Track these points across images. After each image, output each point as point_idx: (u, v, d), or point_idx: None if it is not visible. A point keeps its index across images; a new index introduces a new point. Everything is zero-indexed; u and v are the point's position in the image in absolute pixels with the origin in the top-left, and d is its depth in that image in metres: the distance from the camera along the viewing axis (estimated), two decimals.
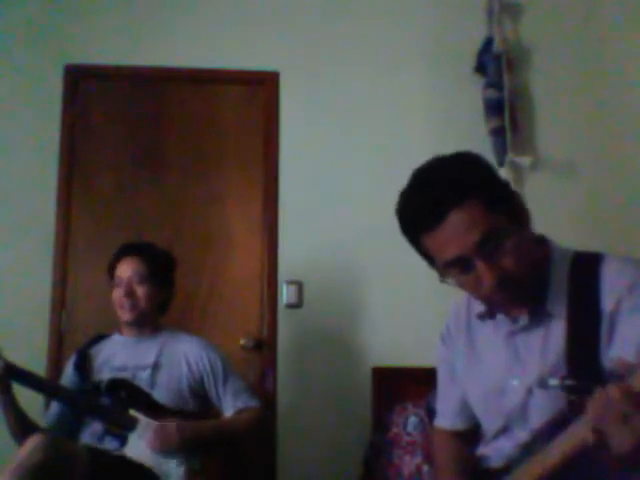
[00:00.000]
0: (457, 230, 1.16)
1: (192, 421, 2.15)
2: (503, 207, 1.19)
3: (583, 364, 1.17)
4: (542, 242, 1.33)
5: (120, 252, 2.38)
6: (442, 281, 1.24)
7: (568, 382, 1.14)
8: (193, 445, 2.09)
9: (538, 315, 1.26)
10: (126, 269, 2.33)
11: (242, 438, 2.24)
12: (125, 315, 2.32)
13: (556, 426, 1.10)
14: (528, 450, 1.15)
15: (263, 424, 2.37)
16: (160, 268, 2.39)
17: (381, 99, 3.21)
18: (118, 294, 2.32)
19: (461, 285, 1.24)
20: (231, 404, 2.27)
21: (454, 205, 1.15)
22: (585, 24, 3.33)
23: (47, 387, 2.25)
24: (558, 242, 1.34)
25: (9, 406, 2.10)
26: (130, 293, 2.31)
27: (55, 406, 2.28)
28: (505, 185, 1.25)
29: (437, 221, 1.17)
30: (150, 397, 2.19)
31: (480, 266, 1.17)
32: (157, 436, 2.06)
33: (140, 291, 2.32)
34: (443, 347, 1.47)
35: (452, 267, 1.21)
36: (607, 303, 1.19)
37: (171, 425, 2.09)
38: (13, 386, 2.10)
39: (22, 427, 2.11)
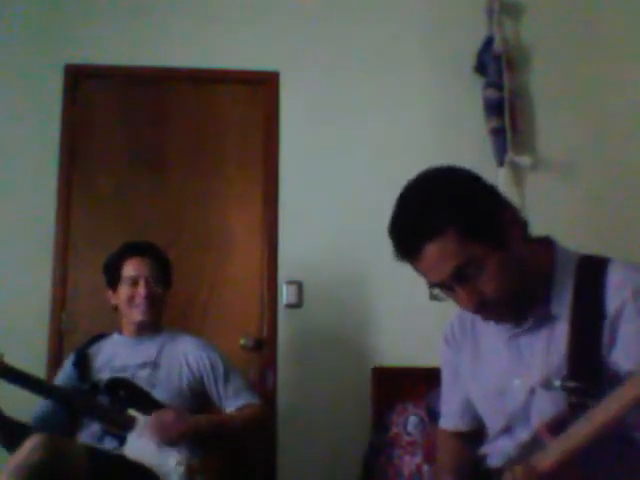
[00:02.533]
0: (432, 262, 1.20)
1: (193, 415, 2.15)
2: (482, 234, 1.19)
3: (584, 365, 1.18)
4: (546, 244, 1.33)
5: (128, 250, 2.37)
6: (431, 289, 1.28)
7: (570, 383, 1.14)
8: (193, 434, 2.08)
9: (542, 317, 1.27)
10: (142, 268, 2.32)
11: (243, 433, 2.23)
12: (139, 315, 2.31)
13: (556, 426, 1.10)
14: (527, 450, 1.15)
15: (265, 421, 2.36)
16: (168, 269, 2.41)
17: (381, 99, 3.21)
18: (131, 293, 2.30)
19: (450, 298, 1.28)
20: (233, 402, 2.27)
21: (429, 239, 1.18)
22: (585, 24, 3.33)
23: (44, 388, 2.23)
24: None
25: None
26: (152, 294, 2.31)
27: (42, 404, 2.24)
28: (487, 210, 1.22)
29: (414, 254, 1.21)
30: (149, 396, 2.19)
31: (458, 291, 1.22)
32: (156, 422, 2.05)
33: (158, 292, 2.33)
34: (447, 348, 1.47)
35: (437, 287, 1.26)
36: (611, 306, 1.19)
37: (169, 411, 2.09)
38: (11, 387, 2.08)
39: (10, 436, 2.05)
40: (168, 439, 2.05)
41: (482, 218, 1.21)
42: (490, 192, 1.26)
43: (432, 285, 1.25)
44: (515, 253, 1.23)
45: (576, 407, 1.11)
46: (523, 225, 1.28)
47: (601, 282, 1.22)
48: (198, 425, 2.11)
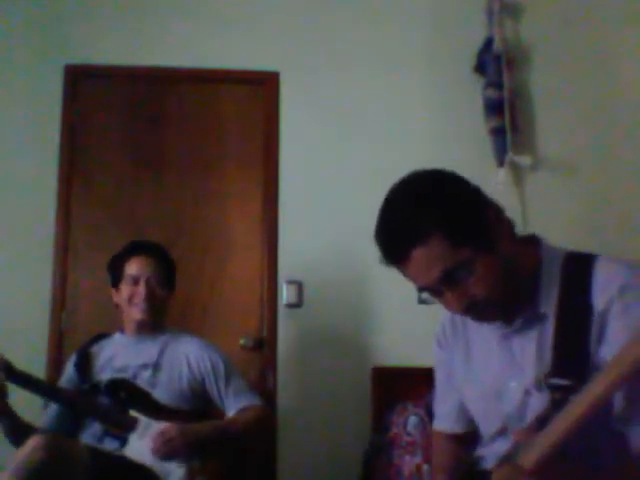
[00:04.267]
0: (420, 267, 1.20)
1: (194, 423, 2.13)
2: (468, 237, 1.19)
3: (570, 362, 1.18)
4: (533, 242, 1.32)
5: (132, 249, 2.37)
6: (420, 293, 1.28)
7: (553, 380, 1.15)
8: (196, 448, 2.07)
9: (532, 316, 1.26)
10: (144, 268, 2.31)
11: (245, 436, 2.22)
12: (138, 314, 2.30)
13: (541, 424, 1.11)
14: (514, 452, 1.15)
15: (266, 422, 2.35)
16: (173, 271, 2.40)
17: (381, 99, 3.22)
18: (131, 292, 2.30)
19: (439, 302, 1.28)
20: (233, 404, 2.26)
21: (416, 244, 1.18)
22: (585, 24, 3.33)
23: (45, 389, 2.23)
24: (558, 243, 1.34)
25: (4, 412, 2.07)
26: (152, 295, 2.30)
27: (53, 408, 2.26)
28: (473, 212, 1.21)
29: (402, 259, 1.22)
30: (150, 397, 2.18)
31: (447, 295, 1.22)
32: (159, 442, 2.04)
33: (159, 293, 2.33)
34: (439, 349, 1.47)
35: (425, 291, 1.26)
36: (598, 303, 1.19)
37: (173, 430, 2.06)
38: (11, 388, 2.08)
39: (17, 431, 2.08)
40: (172, 456, 2.04)
41: (468, 221, 1.20)
42: (475, 194, 1.26)
43: (421, 289, 1.26)
44: (502, 254, 1.23)
45: (559, 404, 1.10)
46: (509, 225, 1.28)
47: (588, 278, 1.22)
48: (201, 436, 2.09)
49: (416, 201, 1.21)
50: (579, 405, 1.00)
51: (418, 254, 1.18)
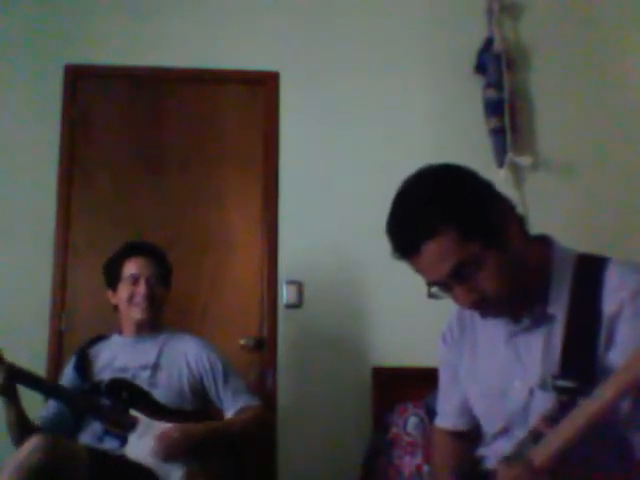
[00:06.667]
0: (430, 260, 1.20)
1: (195, 424, 2.14)
2: (479, 232, 1.19)
3: (578, 365, 1.17)
4: (545, 242, 1.32)
5: (129, 250, 2.37)
6: (429, 287, 1.27)
7: (561, 382, 1.15)
8: (198, 450, 2.07)
9: (540, 316, 1.26)
10: (143, 268, 2.32)
11: (244, 437, 2.23)
12: (138, 314, 2.31)
13: (548, 422, 1.11)
14: (524, 446, 1.15)
15: (265, 422, 2.36)
16: (169, 270, 2.41)
17: (381, 99, 3.21)
18: (131, 291, 2.30)
19: (448, 296, 1.28)
20: (232, 404, 2.27)
21: (426, 238, 1.18)
22: (585, 24, 3.33)
23: (48, 387, 2.25)
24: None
25: (13, 409, 2.08)
26: (152, 293, 2.31)
27: (52, 406, 2.27)
28: (484, 207, 1.22)
29: (412, 253, 1.21)
30: (150, 397, 2.19)
31: (456, 289, 1.22)
32: (161, 444, 2.05)
33: (159, 292, 2.34)
34: (445, 347, 1.47)
35: (434, 285, 1.26)
36: (608, 307, 1.19)
37: (174, 431, 2.07)
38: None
39: (22, 430, 2.09)
40: (172, 458, 2.05)
41: (479, 216, 1.20)
42: (487, 189, 1.26)
43: (430, 283, 1.25)
44: (512, 250, 1.22)
45: (567, 406, 1.10)
46: (520, 222, 1.28)
47: (599, 282, 1.22)
48: (200, 437, 2.10)
49: (427, 195, 1.21)
50: (587, 409, 1.00)
51: (428, 248, 1.19)
